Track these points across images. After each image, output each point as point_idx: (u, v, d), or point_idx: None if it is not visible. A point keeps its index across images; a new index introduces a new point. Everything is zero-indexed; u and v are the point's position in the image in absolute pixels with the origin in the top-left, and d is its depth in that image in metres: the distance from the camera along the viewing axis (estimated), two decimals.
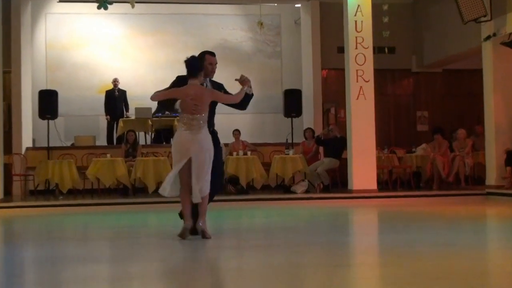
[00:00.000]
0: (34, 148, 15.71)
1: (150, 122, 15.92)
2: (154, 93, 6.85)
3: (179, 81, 6.95)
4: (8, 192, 14.14)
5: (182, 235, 6.59)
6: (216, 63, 7.12)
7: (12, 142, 15.43)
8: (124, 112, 16.40)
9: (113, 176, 13.59)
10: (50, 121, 14.87)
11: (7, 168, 14.10)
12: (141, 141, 15.79)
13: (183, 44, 17.90)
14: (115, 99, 16.37)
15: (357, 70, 13.65)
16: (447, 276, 4.49)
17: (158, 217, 10.26)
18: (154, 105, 16.36)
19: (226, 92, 7.09)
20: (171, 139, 16.13)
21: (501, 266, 5.01)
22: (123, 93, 16.51)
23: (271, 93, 18.03)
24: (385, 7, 14.16)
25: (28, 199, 13.73)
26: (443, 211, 10.16)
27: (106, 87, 16.66)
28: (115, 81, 16.47)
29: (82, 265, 5.34)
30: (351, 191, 13.46)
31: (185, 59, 6.79)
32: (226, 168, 13.69)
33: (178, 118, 6.85)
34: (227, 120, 17.04)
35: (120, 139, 15.85)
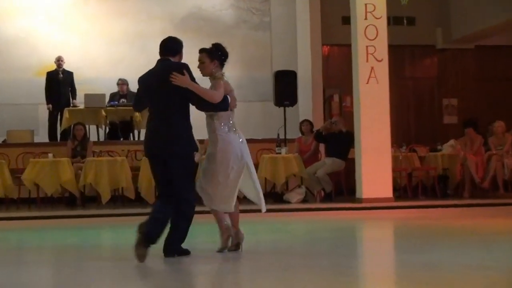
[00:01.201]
0: None
1: (103, 113, 15.85)
2: (211, 91, 7.12)
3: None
4: None
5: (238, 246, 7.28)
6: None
7: None
8: (71, 99, 16.31)
9: (57, 181, 13.52)
10: None
11: None
12: (93, 137, 15.71)
13: (146, 14, 17.82)
14: (59, 83, 16.27)
15: (367, 47, 13.64)
16: None
17: (114, 233, 10.21)
18: (108, 91, 16.36)
19: None
20: (131, 134, 16.10)
21: None
22: (69, 75, 16.40)
23: (257, 76, 17.99)
24: None
25: None
26: (477, 225, 10.18)
27: (47, 68, 16.57)
28: (59, 60, 16.37)
29: None
30: (360, 201, 13.46)
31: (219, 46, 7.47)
32: (199, 171, 13.62)
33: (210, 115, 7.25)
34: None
35: (65, 134, 15.76)
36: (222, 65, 7.42)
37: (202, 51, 7.39)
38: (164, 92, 6.96)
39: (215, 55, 7.35)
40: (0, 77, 17.12)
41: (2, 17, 17.55)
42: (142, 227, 6.77)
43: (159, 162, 7.02)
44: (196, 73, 7.18)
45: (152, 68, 7.18)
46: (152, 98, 7.04)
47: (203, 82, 7.24)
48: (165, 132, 6.98)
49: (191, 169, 7.27)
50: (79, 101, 16.19)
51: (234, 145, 7.30)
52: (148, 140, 7.12)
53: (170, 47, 7.21)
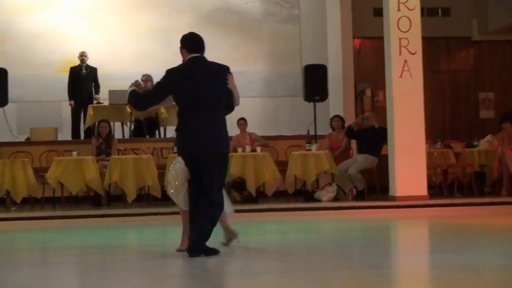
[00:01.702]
0: None
1: (128, 110, 15.92)
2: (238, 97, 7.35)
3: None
4: None
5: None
6: None
7: None
8: (93, 95, 16.37)
9: (81, 180, 13.60)
10: None
11: None
12: (117, 135, 15.79)
13: (171, 7, 17.87)
14: (82, 79, 16.36)
15: (400, 39, 13.60)
16: None
17: (140, 233, 10.26)
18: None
19: None
20: (157, 131, 16.17)
21: None
22: (92, 71, 16.49)
23: (286, 70, 17.98)
24: None
25: None
26: None
27: (71, 64, 16.67)
28: (82, 56, 16.45)
29: None
30: (393, 199, 13.43)
31: None
32: (228, 169, 13.65)
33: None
34: None
35: (89, 131, 15.86)
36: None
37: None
38: (213, 91, 7.08)
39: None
40: (23, 73, 17.21)
41: (24, 11, 17.66)
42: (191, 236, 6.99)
43: (202, 161, 7.06)
44: None
45: (199, 64, 7.19)
46: (199, 95, 7.06)
47: None
48: (214, 131, 7.08)
49: (226, 171, 7.40)
50: (103, 98, 16.26)
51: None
52: (193, 138, 7.11)
53: (200, 44, 7.28)
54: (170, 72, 7.20)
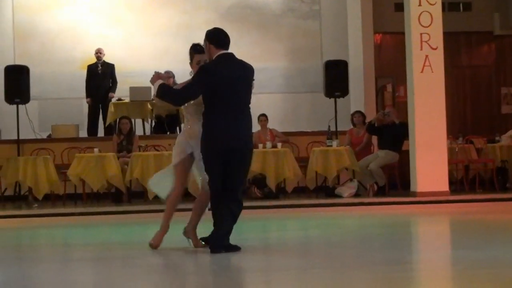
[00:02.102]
0: None
1: (149, 106, 15.97)
2: None
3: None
4: None
5: None
6: None
7: None
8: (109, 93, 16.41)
9: (103, 177, 13.66)
10: (20, 105, 14.98)
11: None
12: (138, 131, 15.85)
13: (191, 4, 17.89)
14: (99, 76, 16.40)
15: (421, 34, 13.56)
16: None
17: None
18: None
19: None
20: (177, 128, 16.20)
21: None
22: (109, 67, 16.51)
23: (307, 66, 17.96)
24: None
25: None
26: None
27: (91, 60, 16.71)
28: (98, 53, 16.46)
29: None
30: (414, 194, 13.40)
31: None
32: None
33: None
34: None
35: (110, 128, 15.90)
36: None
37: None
38: (244, 88, 7.21)
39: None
40: (44, 70, 17.30)
41: (45, 9, 17.74)
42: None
43: (234, 155, 7.12)
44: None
45: (231, 61, 7.24)
46: (233, 92, 7.13)
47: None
48: (245, 127, 7.24)
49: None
50: (124, 95, 16.30)
51: None
52: (228, 133, 7.13)
53: (228, 41, 7.32)
54: (204, 68, 7.21)
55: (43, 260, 7.57)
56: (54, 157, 14.53)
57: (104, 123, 16.27)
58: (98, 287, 5.78)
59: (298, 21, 18.29)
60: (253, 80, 7.35)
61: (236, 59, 7.27)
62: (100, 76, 16.39)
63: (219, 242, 7.02)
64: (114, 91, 16.42)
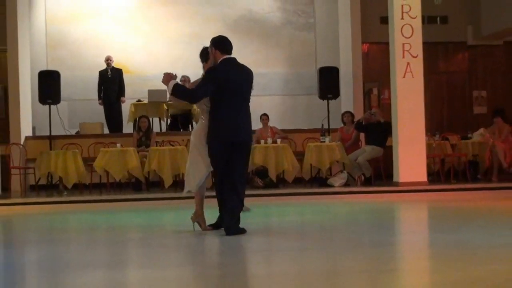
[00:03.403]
0: (34, 137, 15.85)
1: (165, 107, 15.98)
2: None
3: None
4: (5, 187, 14.29)
5: None
6: None
7: (9, 130, 15.58)
8: (120, 98, 16.42)
9: (124, 168, 13.67)
10: (51, 106, 14.98)
11: (5, 160, 14.26)
12: (155, 129, 15.85)
13: (201, 16, 17.89)
14: (109, 81, 16.40)
15: (403, 44, 13.54)
16: (509, 284, 4.45)
17: (176, 215, 10.29)
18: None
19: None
20: (190, 125, 16.20)
21: None
22: (117, 72, 16.51)
23: (303, 72, 17.96)
24: None
25: (28, 195, 13.88)
26: (505, 207, 10.07)
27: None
28: (108, 60, 16.48)
29: (88, 272, 5.38)
30: (397, 184, 13.40)
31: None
32: (252, 158, 13.69)
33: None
34: (253, 103, 17.03)
35: (118, 125, 15.89)
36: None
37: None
38: (245, 88, 7.27)
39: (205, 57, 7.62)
40: (73, 75, 17.31)
41: (73, 20, 17.74)
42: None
43: (238, 147, 7.16)
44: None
45: (234, 64, 7.29)
46: (236, 90, 7.19)
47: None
48: (247, 122, 7.27)
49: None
50: (143, 96, 16.29)
51: None
52: (233, 126, 7.18)
53: (231, 47, 7.38)
54: (212, 70, 7.26)
55: (72, 241, 7.59)
56: (82, 151, 14.53)
57: (114, 121, 16.31)
58: (119, 264, 5.78)
59: (295, 32, 18.29)
60: (253, 80, 7.41)
61: (239, 63, 7.33)
62: (110, 80, 16.40)
63: (233, 229, 7.05)
64: (124, 95, 16.44)
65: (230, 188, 7.10)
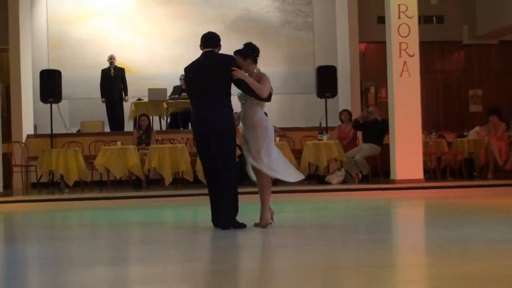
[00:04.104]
0: (35, 136, 15.84)
1: (165, 105, 15.96)
2: (260, 86, 7.17)
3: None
4: (7, 185, 14.27)
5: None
6: None
7: (11, 129, 15.57)
8: (123, 95, 16.42)
9: (125, 166, 13.65)
10: (53, 105, 14.95)
11: (6, 158, 14.24)
12: (156, 127, 15.84)
13: (201, 16, 17.87)
14: (112, 79, 16.38)
15: (400, 43, 13.53)
16: (504, 279, 4.44)
17: (176, 212, 10.29)
18: (168, 85, 16.46)
19: None
20: (189, 123, 16.17)
21: None
22: (120, 71, 16.49)
23: (301, 71, 17.95)
24: None
25: (30, 193, 13.88)
26: (500, 203, 10.06)
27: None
28: (111, 58, 16.46)
29: (89, 268, 5.37)
30: (394, 182, 13.39)
31: (249, 44, 7.46)
32: None
33: (256, 102, 7.35)
34: None
35: (118, 123, 15.85)
36: (255, 61, 7.47)
37: (235, 52, 7.47)
38: (217, 79, 7.19)
39: (246, 54, 7.40)
40: (75, 74, 17.29)
41: (74, 20, 17.71)
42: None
43: (211, 138, 7.16)
44: None
45: (200, 59, 7.36)
46: (205, 83, 7.19)
47: None
48: (217, 113, 7.17)
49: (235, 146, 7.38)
50: (143, 95, 16.27)
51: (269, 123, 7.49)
52: (202, 119, 7.24)
53: (212, 40, 7.40)
54: (185, 68, 7.46)
55: (73, 238, 7.56)
56: (83, 149, 14.52)
57: (117, 119, 16.30)
58: (120, 260, 5.76)
59: (294, 32, 18.27)
60: (233, 67, 7.13)
61: (214, 55, 7.30)
62: (113, 79, 16.38)
63: (229, 221, 7.10)
64: (126, 93, 16.43)
65: (220, 179, 7.12)
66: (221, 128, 7.16)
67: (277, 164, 7.31)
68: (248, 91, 7.18)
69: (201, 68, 7.27)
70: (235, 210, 7.18)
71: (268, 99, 7.26)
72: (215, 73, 7.19)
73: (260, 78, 7.27)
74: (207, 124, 7.18)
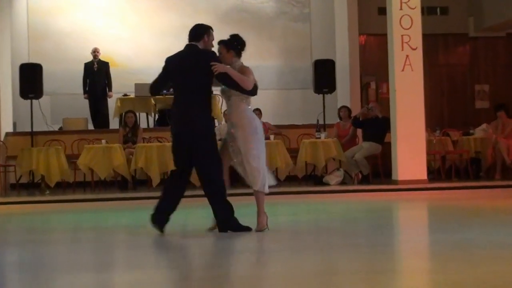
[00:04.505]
0: (15, 134, 15.82)
1: (152, 101, 15.94)
2: (245, 78, 7.17)
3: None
4: None
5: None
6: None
7: None
8: (107, 90, 16.40)
9: (109, 166, 13.63)
10: (33, 100, 14.93)
11: None
12: (143, 124, 15.81)
13: (192, 8, 17.85)
14: (95, 74, 16.37)
15: (402, 36, 13.54)
16: (510, 285, 4.45)
17: None
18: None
19: None
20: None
21: None
22: (104, 65, 16.48)
23: (298, 65, 17.95)
24: None
25: (9, 194, 13.86)
26: (508, 205, 10.09)
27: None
28: (94, 52, 16.45)
29: (71, 274, 5.36)
30: (395, 182, 13.40)
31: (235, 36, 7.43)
32: None
33: (241, 98, 7.34)
34: None
35: (102, 120, 15.84)
36: (239, 54, 7.45)
37: (219, 43, 7.47)
38: (195, 76, 7.20)
39: (230, 45, 7.39)
40: (57, 68, 17.26)
41: (58, 11, 17.69)
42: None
43: (187, 140, 7.23)
44: None
45: (182, 52, 7.42)
46: (182, 80, 7.28)
47: None
48: (192, 114, 7.20)
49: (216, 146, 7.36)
50: (130, 91, 16.25)
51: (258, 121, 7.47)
52: (176, 119, 7.38)
53: (193, 33, 7.42)
54: (166, 59, 7.52)
55: (54, 242, 7.56)
56: (65, 147, 14.50)
57: (101, 116, 16.28)
58: (104, 266, 5.76)
59: (290, 23, 18.27)
60: (212, 64, 7.10)
61: (194, 49, 7.30)
62: (96, 73, 16.38)
63: (227, 224, 7.19)
64: (110, 89, 16.42)
65: (204, 184, 7.22)
66: (198, 133, 7.20)
67: (265, 169, 7.30)
68: (231, 85, 7.17)
69: (181, 61, 7.32)
70: (229, 212, 7.18)
71: (253, 92, 7.27)
72: (195, 69, 7.21)
73: (243, 71, 7.27)
74: (183, 124, 7.23)
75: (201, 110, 7.22)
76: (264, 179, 7.24)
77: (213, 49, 7.47)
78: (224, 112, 7.64)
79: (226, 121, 7.45)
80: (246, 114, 7.27)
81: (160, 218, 7.21)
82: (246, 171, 7.20)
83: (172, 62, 7.40)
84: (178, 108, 7.31)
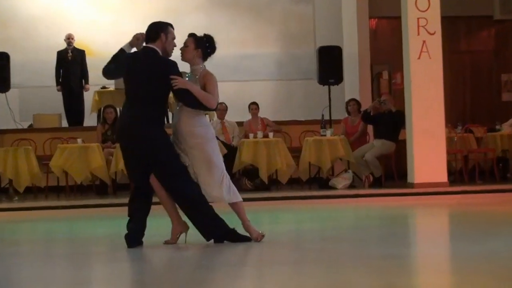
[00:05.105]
0: None
1: None
2: (209, 96, 7.23)
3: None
4: None
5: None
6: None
7: None
8: (83, 82, 16.37)
9: (86, 168, 13.63)
10: None
11: None
12: None
13: None
14: (69, 63, 16.35)
15: (418, 19, 13.55)
16: None
17: (148, 223, 10.24)
18: None
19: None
20: (165, 117, 16.12)
21: None
22: (79, 54, 16.45)
23: (299, 52, 17.94)
24: None
25: None
26: None
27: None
28: (68, 38, 16.38)
29: None
30: (411, 186, 13.41)
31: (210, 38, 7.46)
32: (239, 155, 13.67)
33: None
34: (240, 89, 16.99)
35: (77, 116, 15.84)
36: (205, 57, 7.47)
37: (190, 35, 7.53)
38: (147, 83, 7.24)
39: (201, 44, 7.46)
40: (26, 58, 17.23)
41: None
42: None
43: (130, 147, 7.33)
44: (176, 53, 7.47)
45: (139, 54, 7.54)
46: (133, 84, 7.36)
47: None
48: (138, 121, 7.23)
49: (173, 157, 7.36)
50: (109, 82, 16.19)
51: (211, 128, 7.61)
52: (120, 124, 7.63)
53: (148, 33, 7.58)
54: (126, 55, 7.61)
55: (24, 255, 7.54)
56: (36, 148, 14.49)
57: (76, 112, 16.28)
58: (78, 283, 5.74)
59: (290, 5, 18.24)
60: (171, 76, 7.15)
61: (153, 53, 7.36)
62: (70, 63, 16.35)
63: (219, 233, 7.24)
64: (87, 81, 16.38)
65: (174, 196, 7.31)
66: (132, 139, 7.27)
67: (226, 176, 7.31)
68: (191, 103, 7.19)
69: (135, 65, 7.35)
70: (214, 222, 7.18)
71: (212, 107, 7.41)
72: (150, 79, 7.24)
73: (206, 80, 7.27)
74: (128, 136, 7.31)
75: (150, 126, 7.23)
76: (229, 187, 7.23)
77: (175, 48, 7.50)
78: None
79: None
80: (201, 122, 7.36)
81: (132, 238, 7.27)
82: (204, 186, 7.25)
83: (129, 63, 7.43)
84: (125, 120, 7.43)
